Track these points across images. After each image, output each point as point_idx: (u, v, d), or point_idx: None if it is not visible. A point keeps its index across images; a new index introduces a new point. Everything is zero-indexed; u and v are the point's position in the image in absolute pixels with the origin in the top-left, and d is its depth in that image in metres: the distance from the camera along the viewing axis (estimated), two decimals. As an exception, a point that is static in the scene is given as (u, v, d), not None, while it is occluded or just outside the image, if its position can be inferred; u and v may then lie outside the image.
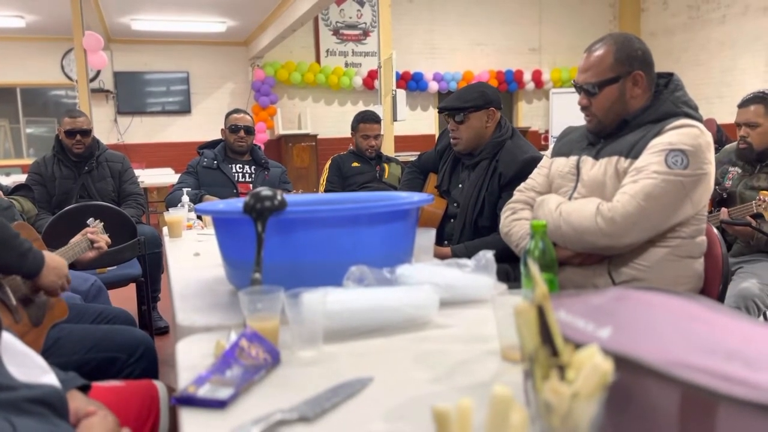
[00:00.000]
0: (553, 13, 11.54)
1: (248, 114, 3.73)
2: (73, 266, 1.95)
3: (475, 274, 1.38)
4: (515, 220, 1.98)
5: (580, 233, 1.71)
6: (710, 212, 2.75)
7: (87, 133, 3.53)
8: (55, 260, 1.65)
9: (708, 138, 1.69)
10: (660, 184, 1.63)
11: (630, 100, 1.78)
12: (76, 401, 1.07)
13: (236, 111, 3.71)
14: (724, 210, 2.70)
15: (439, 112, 2.48)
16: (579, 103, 1.85)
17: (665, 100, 1.77)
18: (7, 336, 0.98)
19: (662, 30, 10.93)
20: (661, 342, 0.72)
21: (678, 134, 1.67)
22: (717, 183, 2.83)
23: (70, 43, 8.42)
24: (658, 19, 11.07)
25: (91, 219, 2.20)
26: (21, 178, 4.23)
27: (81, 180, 3.53)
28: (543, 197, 1.90)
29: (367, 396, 0.92)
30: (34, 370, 1.00)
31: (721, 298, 1.80)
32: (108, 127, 9.70)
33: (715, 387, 0.61)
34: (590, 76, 1.79)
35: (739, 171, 2.82)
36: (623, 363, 0.67)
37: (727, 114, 8.56)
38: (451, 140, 2.44)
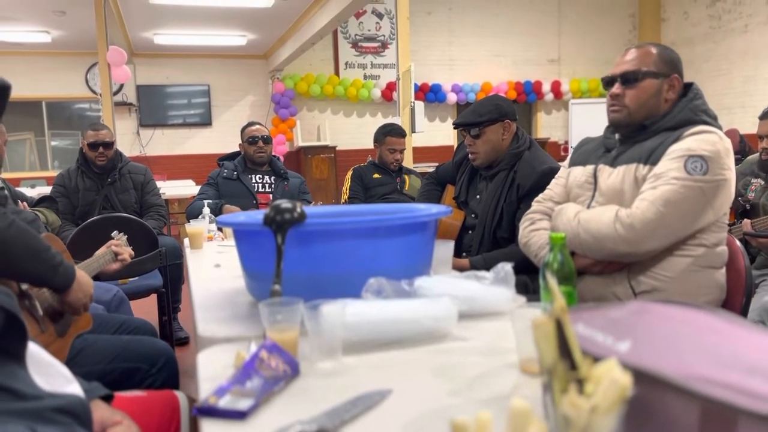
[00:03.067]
0: (572, 23, 11.51)
1: (263, 125, 3.78)
2: (96, 277, 1.98)
3: (493, 287, 1.38)
4: (534, 231, 1.97)
5: (599, 240, 1.71)
6: (733, 224, 2.72)
7: (109, 145, 3.59)
8: (83, 277, 1.66)
9: (727, 144, 1.68)
10: (679, 190, 1.62)
11: (662, 102, 1.79)
12: (100, 411, 1.08)
13: (251, 124, 3.76)
14: (746, 221, 2.67)
15: (454, 128, 2.49)
16: (610, 94, 1.82)
17: (684, 108, 1.77)
18: (32, 346, 1.00)
19: (683, 40, 10.85)
20: (680, 356, 0.72)
21: (697, 140, 1.67)
22: (739, 194, 2.80)
23: (94, 58, 8.59)
24: (679, 29, 10.99)
25: (115, 231, 2.23)
26: (46, 190, 4.30)
27: (104, 192, 3.59)
28: (561, 206, 1.89)
29: (386, 408, 0.92)
30: (58, 379, 1.01)
31: (744, 311, 1.78)
32: (130, 140, 9.84)
33: (735, 402, 0.61)
34: (633, 65, 1.79)
35: (762, 182, 2.79)
36: (642, 377, 0.67)
37: (749, 124, 8.46)
38: (470, 155, 2.45)
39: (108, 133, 3.62)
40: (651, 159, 1.72)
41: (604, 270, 1.77)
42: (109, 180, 3.60)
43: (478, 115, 2.37)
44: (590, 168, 1.89)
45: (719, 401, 0.62)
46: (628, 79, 1.79)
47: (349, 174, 4.02)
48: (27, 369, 0.95)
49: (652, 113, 1.79)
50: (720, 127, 1.76)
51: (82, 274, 1.67)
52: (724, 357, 0.71)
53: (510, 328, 1.08)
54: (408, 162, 5.40)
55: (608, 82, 1.84)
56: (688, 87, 1.83)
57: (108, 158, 3.59)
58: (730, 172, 1.68)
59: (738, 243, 1.86)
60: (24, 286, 1.62)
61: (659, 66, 1.78)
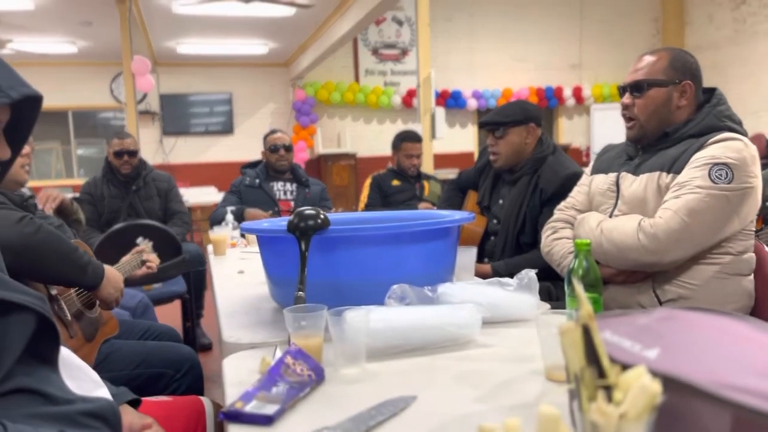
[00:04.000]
0: (594, 28, 11.43)
1: (285, 133, 3.82)
2: (121, 283, 2.01)
3: (517, 293, 1.38)
4: (556, 240, 1.96)
5: (622, 251, 1.69)
6: (760, 230, 2.68)
7: (134, 153, 3.65)
8: (112, 273, 1.72)
9: (753, 151, 1.66)
10: (704, 198, 1.60)
11: (675, 110, 1.76)
12: (129, 415, 1.10)
13: (273, 132, 3.80)
14: (775, 227, 2.62)
15: (479, 127, 2.49)
16: (622, 102, 1.82)
17: (708, 114, 1.74)
18: (64, 350, 1.02)
19: (707, 44, 10.72)
20: (710, 363, 0.71)
21: (721, 147, 1.64)
22: (767, 200, 2.75)
23: (118, 68, 8.72)
24: (703, 32, 10.87)
25: (140, 238, 2.26)
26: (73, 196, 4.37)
27: (129, 199, 3.64)
28: (583, 215, 1.88)
29: (410, 414, 0.92)
30: (88, 383, 1.03)
31: (773, 318, 1.75)
32: (154, 148, 9.96)
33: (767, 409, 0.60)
34: (640, 75, 1.78)
35: (790, 187, 2.74)
36: (672, 384, 0.66)
37: (776, 128, 8.32)
38: (490, 156, 2.45)
39: (132, 142, 3.68)
40: (674, 167, 1.70)
41: (627, 280, 1.75)
42: (134, 188, 3.66)
43: (503, 115, 2.38)
44: (612, 176, 1.87)
45: (751, 409, 0.61)
46: (636, 89, 1.78)
47: (368, 182, 4.03)
48: (59, 373, 0.97)
49: (663, 122, 1.77)
50: (745, 133, 1.74)
51: (111, 269, 1.72)
52: (754, 364, 0.70)
53: (534, 334, 1.08)
54: (428, 168, 5.40)
55: (621, 92, 1.85)
56: (711, 92, 1.80)
57: (133, 166, 3.65)
58: (756, 180, 1.65)
59: (767, 249, 1.83)
60: (53, 291, 1.65)
61: (669, 73, 1.75)
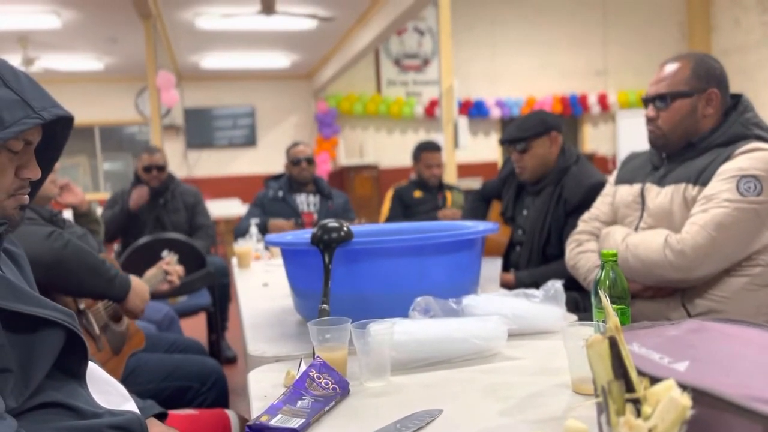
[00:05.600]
0: (619, 34, 11.31)
1: (307, 145, 3.85)
2: (147, 296, 2.04)
3: (543, 305, 1.36)
4: (581, 253, 1.93)
5: (648, 267, 1.66)
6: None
7: (162, 168, 3.71)
8: (139, 284, 1.75)
9: None
10: (732, 212, 1.56)
11: (701, 119, 1.71)
12: (156, 428, 1.10)
13: (295, 144, 3.84)
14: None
15: (501, 144, 2.47)
16: (646, 115, 1.78)
17: (734, 122, 1.69)
18: (91, 364, 1.04)
19: (735, 48, 10.57)
20: (741, 376, 0.69)
21: (749, 159, 1.60)
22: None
23: (143, 83, 8.86)
24: (731, 36, 10.71)
25: (165, 251, 2.28)
26: (99, 211, 4.45)
27: (156, 212, 3.70)
28: (608, 229, 1.85)
29: (437, 428, 0.92)
30: (116, 397, 1.04)
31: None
32: (178, 162, 10.09)
33: (803, 425, 0.58)
34: (663, 87, 1.73)
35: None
36: (702, 398, 0.65)
37: (806, 132, 8.15)
38: (516, 171, 2.42)
39: (161, 157, 3.75)
40: (701, 179, 1.65)
41: (656, 295, 1.72)
42: (162, 201, 3.72)
43: (523, 130, 2.36)
44: (637, 187, 1.83)
45: (786, 424, 0.59)
46: (660, 101, 1.73)
47: (389, 194, 4.04)
48: (87, 387, 0.98)
49: (690, 132, 1.72)
50: None
51: (137, 280, 1.75)
52: (788, 377, 0.68)
53: (561, 347, 1.07)
54: (452, 178, 5.39)
55: (645, 103, 1.80)
56: (737, 99, 1.76)
57: (161, 180, 3.71)
58: None
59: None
60: (81, 305, 1.68)
61: (692, 83, 1.70)
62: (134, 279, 1.74)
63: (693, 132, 1.73)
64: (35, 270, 1.14)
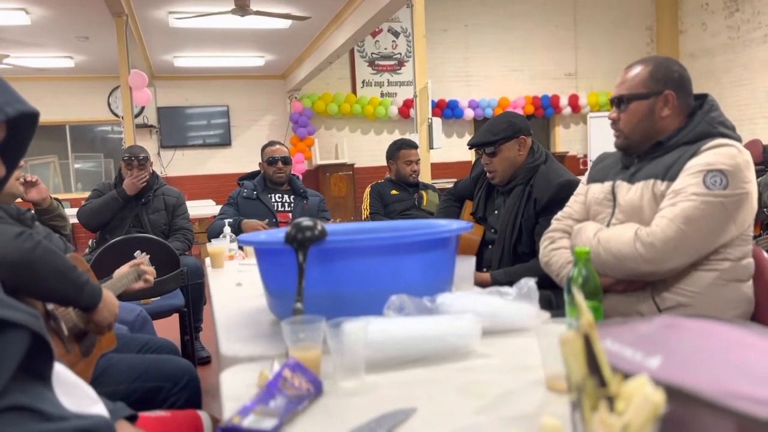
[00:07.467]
0: (589, 37, 11.49)
1: (283, 145, 3.82)
2: (119, 297, 1.99)
3: (517, 303, 1.37)
4: (554, 250, 1.95)
5: (620, 260, 1.68)
6: (759, 235, 2.68)
7: (144, 162, 3.72)
8: (109, 297, 1.67)
9: (747, 156, 1.66)
10: (700, 206, 1.59)
11: (659, 120, 1.76)
12: (125, 431, 1.08)
13: (271, 144, 3.79)
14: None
15: (470, 148, 2.49)
16: (609, 117, 1.86)
17: (700, 121, 1.74)
18: (59, 366, 1.01)
19: (702, 51, 10.77)
20: (713, 371, 0.70)
21: (715, 154, 1.64)
22: (765, 206, 2.75)
23: (116, 81, 8.73)
24: (697, 40, 10.92)
25: (137, 251, 2.25)
26: (71, 212, 4.37)
27: (135, 210, 3.66)
28: (580, 225, 1.87)
29: (410, 427, 0.91)
30: (84, 400, 1.02)
31: (774, 324, 1.74)
32: (152, 161, 9.97)
33: (772, 418, 0.59)
34: (623, 89, 1.80)
35: (788, 193, 2.74)
36: (675, 394, 0.65)
37: (772, 134, 8.35)
38: (488, 174, 2.44)
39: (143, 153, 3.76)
40: (669, 174, 1.69)
41: (627, 288, 1.75)
42: (143, 200, 3.68)
43: (492, 133, 2.37)
44: (608, 185, 1.87)
45: (755, 418, 0.60)
46: (619, 103, 1.81)
47: (368, 191, 4.02)
48: (53, 390, 0.95)
49: (649, 133, 1.78)
50: (739, 138, 1.73)
51: (108, 293, 1.69)
52: (757, 372, 0.69)
53: (535, 344, 1.07)
54: (426, 178, 5.40)
55: (611, 104, 1.87)
56: (703, 99, 1.80)
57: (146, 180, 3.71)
58: (751, 185, 1.65)
59: (766, 255, 1.82)
60: (50, 307, 1.64)
61: (649, 85, 1.76)
62: (106, 291, 1.68)
63: (652, 133, 1.77)
64: (1, 270, 1.11)
